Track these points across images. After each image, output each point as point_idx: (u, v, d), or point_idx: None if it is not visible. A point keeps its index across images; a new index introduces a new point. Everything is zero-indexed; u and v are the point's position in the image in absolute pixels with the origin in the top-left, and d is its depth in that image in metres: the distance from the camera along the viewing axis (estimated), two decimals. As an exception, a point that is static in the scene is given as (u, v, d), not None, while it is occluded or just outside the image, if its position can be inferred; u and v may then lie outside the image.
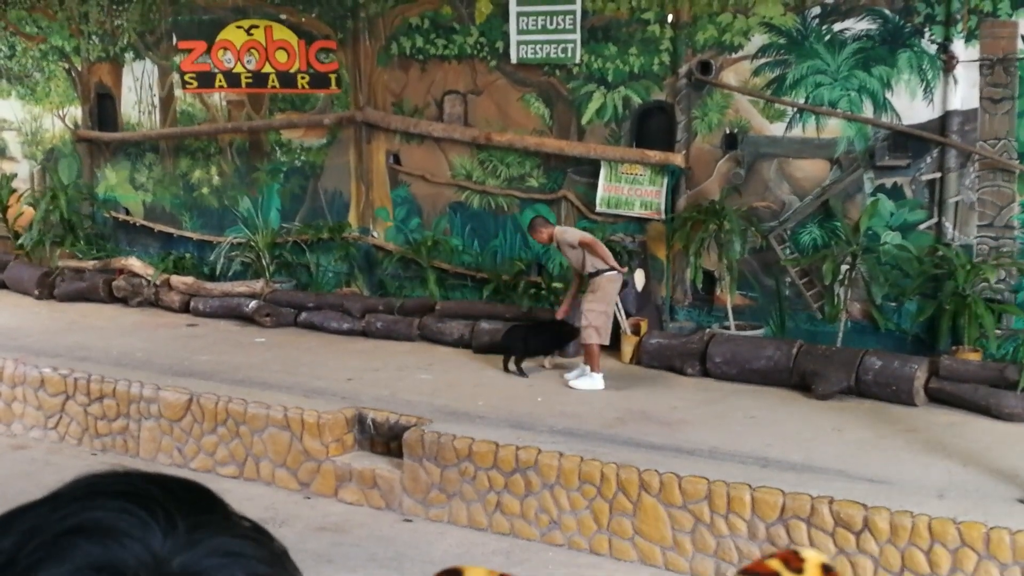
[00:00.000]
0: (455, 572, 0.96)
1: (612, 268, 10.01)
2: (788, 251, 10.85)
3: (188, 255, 14.51)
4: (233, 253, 14.00)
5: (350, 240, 13.30)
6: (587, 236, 10.22)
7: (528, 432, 8.85)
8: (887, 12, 10.11)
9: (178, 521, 0.79)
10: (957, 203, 10.00)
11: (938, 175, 10.04)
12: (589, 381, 10.05)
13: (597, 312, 9.97)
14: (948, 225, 10.02)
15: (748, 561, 7.39)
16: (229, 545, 0.80)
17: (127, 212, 15.30)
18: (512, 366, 10.52)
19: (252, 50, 13.88)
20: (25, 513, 0.79)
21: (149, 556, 0.76)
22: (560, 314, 10.49)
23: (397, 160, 13.09)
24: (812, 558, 0.97)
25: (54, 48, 15.83)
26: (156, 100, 14.93)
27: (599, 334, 9.98)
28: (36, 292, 14.48)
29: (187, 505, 0.81)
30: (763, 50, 10.73)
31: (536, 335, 10.71)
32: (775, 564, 0.95)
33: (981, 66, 9.76)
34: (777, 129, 10.77)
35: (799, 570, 0.95)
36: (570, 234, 10.25)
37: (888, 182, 10.28)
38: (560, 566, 8.00)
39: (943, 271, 9.91)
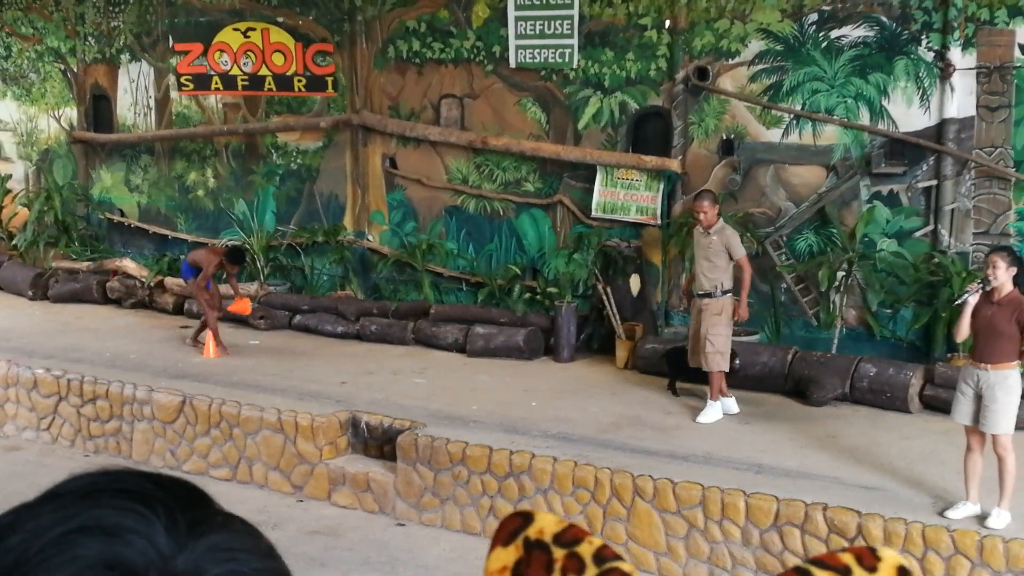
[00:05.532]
0: (526, 514, 0.95)
1: (732, 292, 9.33)
2: (784, 257, 10.84)
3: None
4: (228, 255, 13.98)
5: (345, 243, 13.28)
6: (746, 258, 9.41)
7: (522, 436, 8.83)
8: (884, 19, 10.12)
9: (178, 518, 0.79)
10: (953, 210, 10.00)
11: (934, 182, 10.05)
12: (710, 412, 9.37)
13: (724, 337, 9.32)
14: (944, 232, 10.02)
15: (750, 569, 7.40)
16: (229, 541, 0.81)
17: (122, 213, 15.28)
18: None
19: (249, 52, 13.86)
20: (28, 512, 0.79)
21: (155, 553, 0.76)
22: (741, 314, 9.43)
23: (393, 163, 13.08)
24: (889, 558, 0.90)
25: (50, 49, 15.81)
26: (152, 102, 14.90)
27: (724, 359, 9.35)
28: (30, 293, 14.46)
29: (183, 502, 0.81)
30: (760, 56, 10.74)
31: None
32: (847, 558, 0.91)
33: (978, 74, 9.77)
34: (774, 135, 10.77)
35: (872, 568, 0.90)
36: (733, 241, 9.34)
37: (884, 189, 10.29)
38: (554, 571, 7.97)
39: (939, 278, 9.92)
